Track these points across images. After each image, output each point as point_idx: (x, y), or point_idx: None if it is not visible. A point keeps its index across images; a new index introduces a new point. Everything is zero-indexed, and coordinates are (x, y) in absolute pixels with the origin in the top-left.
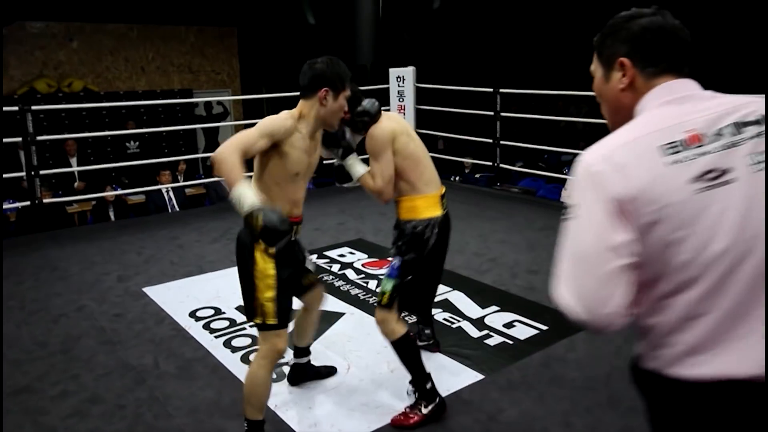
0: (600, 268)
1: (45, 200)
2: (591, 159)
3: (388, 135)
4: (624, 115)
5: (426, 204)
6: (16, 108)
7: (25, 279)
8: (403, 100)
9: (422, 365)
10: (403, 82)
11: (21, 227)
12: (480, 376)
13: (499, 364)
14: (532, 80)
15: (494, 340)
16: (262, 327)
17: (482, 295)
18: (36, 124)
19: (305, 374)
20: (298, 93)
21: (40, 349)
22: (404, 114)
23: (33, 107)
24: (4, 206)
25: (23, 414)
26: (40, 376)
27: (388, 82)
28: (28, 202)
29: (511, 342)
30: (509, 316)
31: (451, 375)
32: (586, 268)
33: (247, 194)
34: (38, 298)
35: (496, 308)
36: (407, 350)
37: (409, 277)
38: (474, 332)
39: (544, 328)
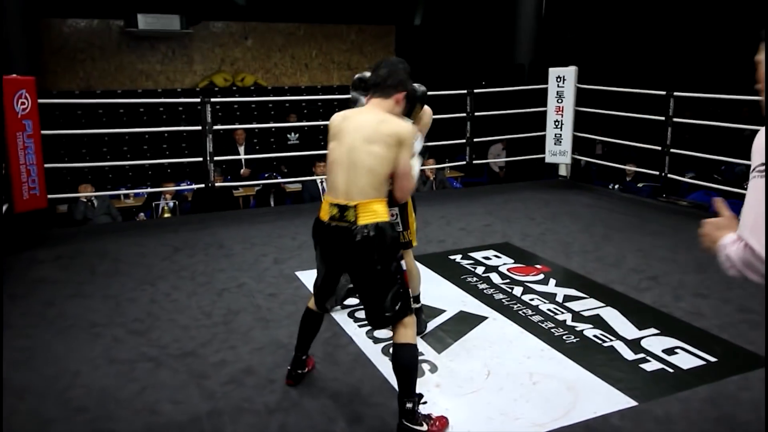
0: None
1: (217, 184)
2: None
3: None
4: None
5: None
6: (198, 100)
7: (196, 253)
8: (562, 101)
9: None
10: (563, 83)
11: (195, 206)
12: (633, 403)
13: (656, 392)
14: (711, 82)
15: (651, 365)
16: None
17: (640, 315)
18: (213, 115)
19: None
20: (452, 92)
21: (205, 318)
22: (562, 115)
23: (212, 99)
24: (184, 187)
25: (188, 375)
26: (204, 343)
27: (547, 82)
28: (203, 185)
29: (671, 370)
30: (671, 342)
31: (599, 397)
32: None
33: None
34: (206, 272)
35: (656, 331)
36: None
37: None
38: (628, 354)
39: (713, 359)
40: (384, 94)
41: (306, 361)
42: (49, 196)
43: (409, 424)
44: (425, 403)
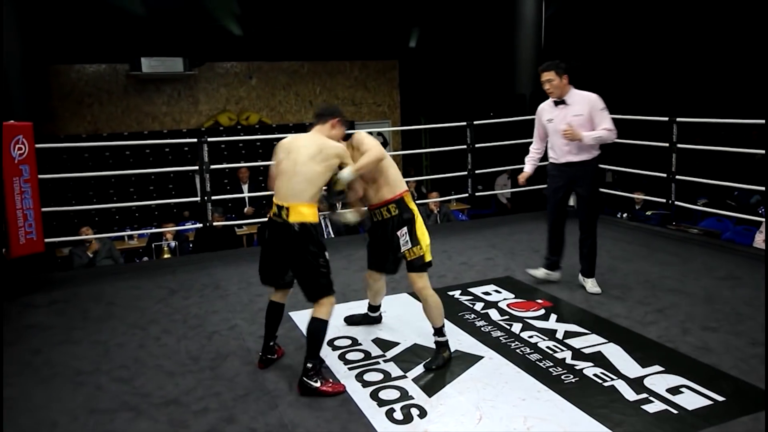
0: None
1: (215, 223)
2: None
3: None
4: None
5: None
6: (195, 140)
7: (191, 295)
8: None
9: None
10: None
11: (197, 246)
12: None
13: None
14: (718, 107)
15: (654, 406)
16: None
17: (644, 351)
18: (217, 154)
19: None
20: (452, 124)
21: (192, 364)
22: None
23: (209, 139)
24: (187, 226)
25: (168, 425)
26: (188, 390)
27: None
28: (201, 225)
29: (675, 411)
30: (675, 380)
31: None
32: None
33: None
34: (199, 314)
35: (660, 368)
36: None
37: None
38: (630, 394)
39: (720, 399)
40: (322, 121)
41: (275, 348)
42: (47, 240)
43: (306, 380)
44: (326, 367)
